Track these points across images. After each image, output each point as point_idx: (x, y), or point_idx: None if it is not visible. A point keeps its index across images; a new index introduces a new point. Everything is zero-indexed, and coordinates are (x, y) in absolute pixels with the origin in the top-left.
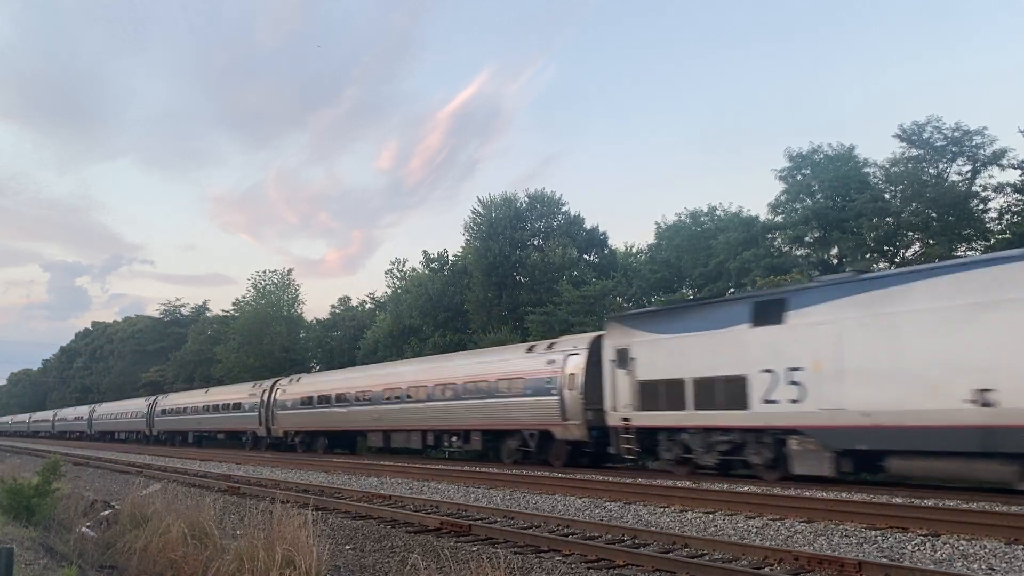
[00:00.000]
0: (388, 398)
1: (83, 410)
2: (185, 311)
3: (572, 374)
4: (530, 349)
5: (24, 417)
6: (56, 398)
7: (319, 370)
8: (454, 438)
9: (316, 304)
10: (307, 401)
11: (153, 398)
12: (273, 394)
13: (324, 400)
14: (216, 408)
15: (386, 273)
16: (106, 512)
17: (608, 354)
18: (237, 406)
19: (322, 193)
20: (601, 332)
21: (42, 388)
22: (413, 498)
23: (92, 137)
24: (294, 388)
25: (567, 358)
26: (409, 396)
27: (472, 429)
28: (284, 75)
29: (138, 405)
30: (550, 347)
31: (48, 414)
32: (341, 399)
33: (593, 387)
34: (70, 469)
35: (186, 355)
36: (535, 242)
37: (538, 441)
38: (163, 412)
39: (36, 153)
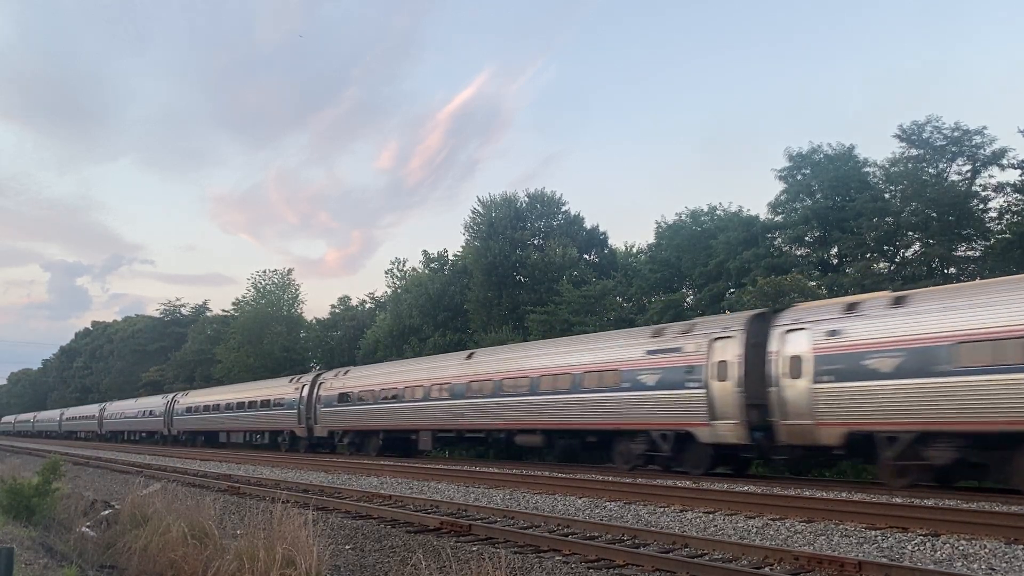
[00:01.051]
0: None
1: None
2: (185, 311)
3: None
4: None
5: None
6: (56, 398)
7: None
8: None
9: (316, 304)
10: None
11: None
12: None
13: None
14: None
15: (386, 273)
16: (106, 512)
17: None
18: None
19: (322, 193)
20: None
21: (42, 388)
22: (413, 498)
23: (92, 137)
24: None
25: None
26: None
27: None
28: (284, 75)
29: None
30: None
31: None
32: None
33: None
34: (70, 469)
35: (186, 355)
36: (535, 242)
37: None
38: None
39: (36, 153)
